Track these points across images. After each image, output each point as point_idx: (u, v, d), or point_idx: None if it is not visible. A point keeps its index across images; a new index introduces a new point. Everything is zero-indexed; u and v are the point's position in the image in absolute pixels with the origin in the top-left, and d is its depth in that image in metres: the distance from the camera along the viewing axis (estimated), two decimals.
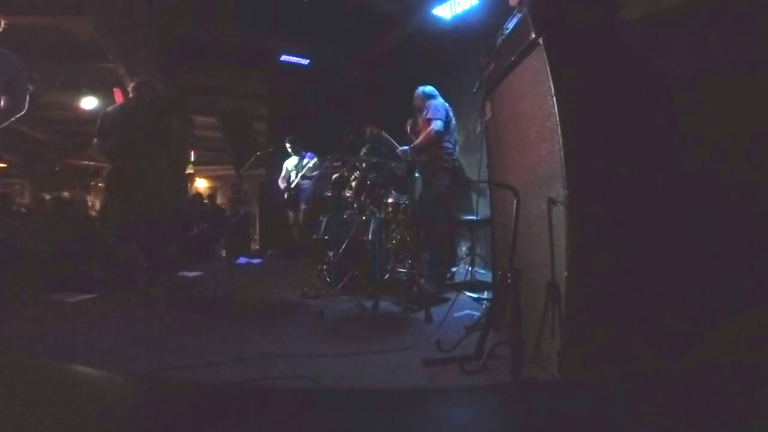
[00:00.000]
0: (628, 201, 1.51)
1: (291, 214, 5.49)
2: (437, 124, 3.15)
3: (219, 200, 10.38)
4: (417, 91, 3.46)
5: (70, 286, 3.39)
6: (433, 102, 3.30)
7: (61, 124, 9.04)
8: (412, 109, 3.53)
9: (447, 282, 3.36)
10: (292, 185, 5.23)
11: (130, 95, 3.35)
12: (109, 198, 3.25)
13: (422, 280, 2.79)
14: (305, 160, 5.27)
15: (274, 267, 5.21)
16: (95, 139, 3.15)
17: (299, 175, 5.20)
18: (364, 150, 3.64)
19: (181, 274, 3.61)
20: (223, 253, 6.56)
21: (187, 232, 5.60)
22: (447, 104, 3.37)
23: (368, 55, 5.77)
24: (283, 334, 2.29)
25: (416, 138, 3.39)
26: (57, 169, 9.29)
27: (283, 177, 5.44)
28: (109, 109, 3.26)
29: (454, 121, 3.36)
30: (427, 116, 3.19)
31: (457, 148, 3.56)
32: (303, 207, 5.27)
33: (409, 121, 3.58)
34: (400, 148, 3.33)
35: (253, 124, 7.81)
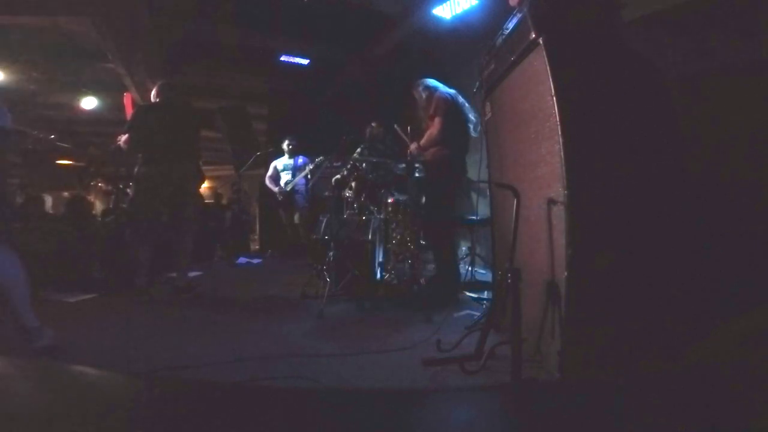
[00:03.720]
0: (628, 201, 1.51)
1: (283, 214, 5.48)
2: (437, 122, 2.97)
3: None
4: (419, 84, 3.20)
5: (70, 286, 3.39)
6: (437, 95, 3.09)
7: (61, 124, 9.04)
8: (417, 105, 3.28)
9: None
10: (289, 186, 5.23)
11: (160, 96, 3.34)
12: (141, 198, 3.26)
13: (422, 280, 2.80)
14: (300, 160, 5.28)
15: (274, 267, 5.21)
16: (125, 136, 3.15)
17: (299, 176, 5.20)
18: (359, 150, 3.60)
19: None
20: (222, 254, 6.57)
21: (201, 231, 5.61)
22: (453, 90, 3.14)
23: (368, 55, 5.77)
24: (283, 334, 2.29)
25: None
26: (18, 162, 9.18)
27: (271, 176, 5.42)
28: (143, 104, 3.30)
29: (467, 105, 3.11)
30: (431, 112, 3.03)
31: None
32: (302, 206, 5.28)
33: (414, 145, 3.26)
34: (412, 146, 3.18)
35: (253, 124, 7.80)
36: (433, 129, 3.00)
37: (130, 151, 3.25)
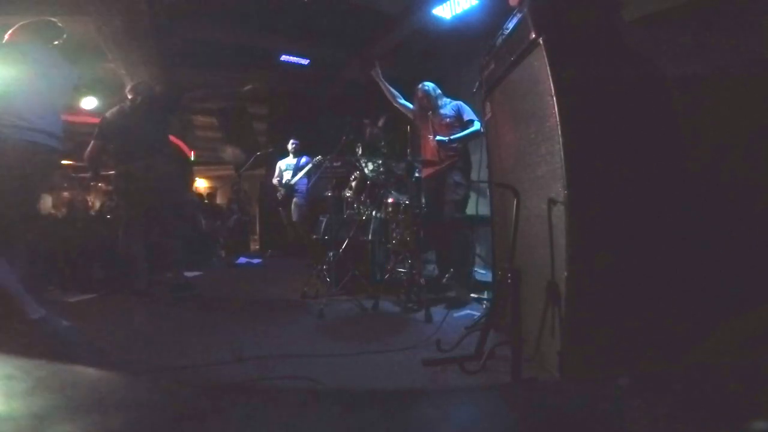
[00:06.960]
0: (628, 201, 1.51)
1: (283, 213, 5.50)
2: (478, 125, 3.01)
3: (218, 200, 10.36)
4: (424, 88, 3.22)
5: (70, 286, 3.40)
6: (457, 102, 3.19)
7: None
8: (420, 105, 3.28)
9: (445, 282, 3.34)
10: (292, 180, 5.24)
11: (128, 98, 3.34)
12: (117, 199, 3.29)
13: (422, 280, 2.80)
14: (302, 160, 5.29)
15: (274, 267, 5.21)
16: (92, 142, 3.17)
17: (298, 175, 5.21)
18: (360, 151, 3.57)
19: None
20: (222, 254, 6.58)
21: (195, 229, 5.60)
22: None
23: (368, 55, 5.78)
24: (283, 334, 2.29)
25: (432, 136, 3.14)
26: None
27: (277, 176, 5.45)
28: (108, 114, 3.28)
29: None
30: (467, 117, 3.10)
31: None
32: (300, 205, 5.29)
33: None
34: (436, 138, 3.11)
35: (253, 124, 7.80)
36: (477, 130, 3.01)
37: (100, 157, 3.26)
